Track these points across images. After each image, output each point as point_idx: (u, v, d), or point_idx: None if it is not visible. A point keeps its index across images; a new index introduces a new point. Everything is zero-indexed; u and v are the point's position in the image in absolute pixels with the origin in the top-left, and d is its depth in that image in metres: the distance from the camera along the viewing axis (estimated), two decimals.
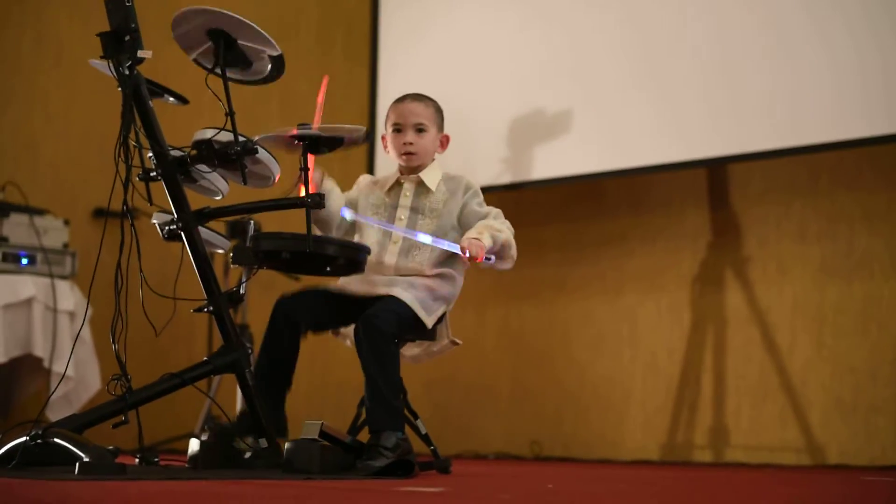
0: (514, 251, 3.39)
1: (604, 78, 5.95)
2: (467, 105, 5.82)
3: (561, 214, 6.54)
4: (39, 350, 5.33)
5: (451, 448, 5.74)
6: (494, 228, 3.34)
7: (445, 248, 3.34)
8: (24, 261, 5.41)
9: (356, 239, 3.54)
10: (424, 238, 3.35)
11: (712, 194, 6.09)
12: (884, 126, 5.19)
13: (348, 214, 3.45)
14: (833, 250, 5.68)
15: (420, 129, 3.50)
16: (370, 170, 6.48)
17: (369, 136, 3.11)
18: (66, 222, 5.62)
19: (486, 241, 3.26)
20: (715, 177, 6.07)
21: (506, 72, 6.28)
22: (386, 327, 3.24)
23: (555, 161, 6.09)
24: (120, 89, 3.07)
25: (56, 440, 2.80)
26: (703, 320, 6.04)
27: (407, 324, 3.33)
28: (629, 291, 6.30)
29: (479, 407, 6.65)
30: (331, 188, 3.45)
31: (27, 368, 5.53)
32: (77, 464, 2.63)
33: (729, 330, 5.94)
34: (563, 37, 6.12)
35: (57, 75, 6.18)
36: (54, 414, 5.36)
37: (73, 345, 4.34)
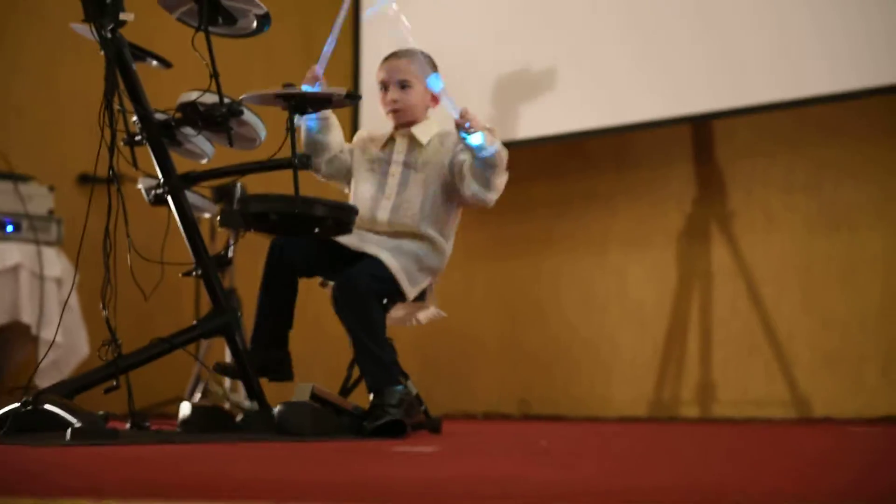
0: (501, 181, 3.35)
1: (588, 36, 5.90)
2: (452, 63, 5.71)
3: (547, 171, 6.51)
4: (27, 317, 5.30)
5: (441, 408, 5.73)
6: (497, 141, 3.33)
7: (448, 107, 3.31)
8: (10, 228, 5.37)
9: (351, 191, 3.52)
10: (436, 83, 3.37)
11: (697, 148, 6.07)
12: (871, 78, 5.16)
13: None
14: (819, 202, 5.67)
15: (405, 85, 3.47)
16: (354, 127, 6.44)
17: (354, 98, 3.07)
18: (52, 188, 5.57)
19: (486, 123, 3.25)
20: (700, 131, 6.04)
21: (491, 30, 6.23)
22: (364, 288, 3.23)
23: (540, 119, 6.05)
24: (102, 53, 3.02)
25: (47, 406, 2.78)
26: (690, 275, 6.04)
27: (387, 289, 3.31)
28: (616, 248, 6.28)
29: (468, 365, 6.64)
30: (331, 118, 3.41)
31: (15, 336, 5.50)
32: (69, 430, 2.61)
33: (715, 284, 5.94)
34: None
35: (40, 39, 6.11)
36: (43, 381, 5.34)
37: (62, 312, 4.27)
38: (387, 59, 3.52)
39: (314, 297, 3.64)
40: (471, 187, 3.33)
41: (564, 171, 6.45)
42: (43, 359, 4.86)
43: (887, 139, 5.50)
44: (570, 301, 6.41)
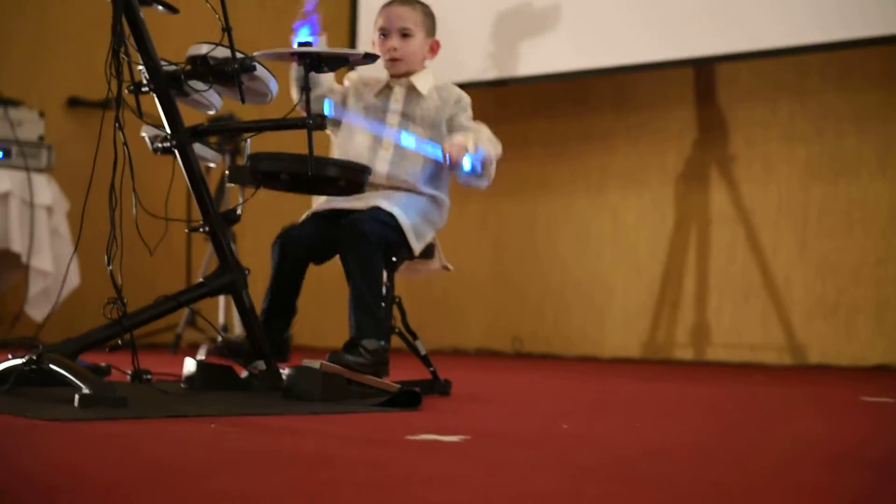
0: (493, 168, 3.26)
1: None
2: (452, 1, 5.63)
3: (544, 111, 6.41)
4: (17, 245, 5.22)
5: (432, 344, 5.71)
6: (481, 139, 3.22)
7: (428, 152, 3.23)
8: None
9: (342, 137, 3.41)
10: (408, 140, 3.24)
11: (699, 92, 5.98)
12: (876, 27, 5.09)
13: (332, 110, 3.31)
14: (820, 150, 5.62)
15: (405, 34, 3.35)
16: None
17: (371, 58, 2.96)
18: (42, 114, 5.45)
19: (470, 146, 3.15)
20: (702, 75, 5.96)
21: None
22: (370, 231, 3.15)
23: (540, 57, 5.94)
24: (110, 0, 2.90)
25: (53, 367, 2.71)
26: (687, 219, 5.99)
27: (393, 240, 3.24)
28: (612, 188, 6.22)
29: (460, 301, 6.61)
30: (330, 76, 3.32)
31: (5, 264, 5.43)
32: (77, 396, 2.54)
33: (713, 229, 5.90)
34: None
35: None
36: (33, 310, 5.28)
37: (76, 247, 4.18)
38: (387, 4, 3.40)
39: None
40: (462, 177, 3.24)
41: (561, 110, 6.36)
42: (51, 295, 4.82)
43: (889, 90, 5.43)
44: (564, 241, 6.36)
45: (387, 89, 3.40)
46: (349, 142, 3.39)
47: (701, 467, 1.88)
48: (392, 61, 3.36)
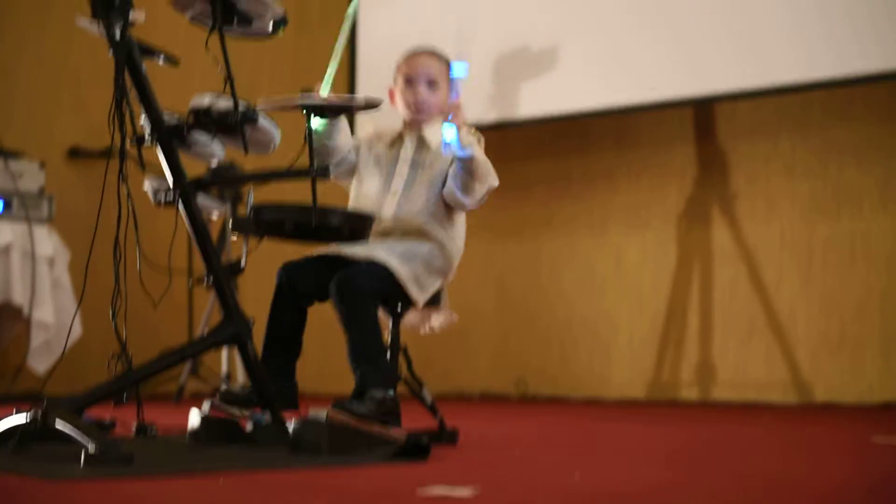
0: (481, 191, 3.23)
1: (591, 16, 5.81)
2: (452, 43, 5.64)
3: (546, 150, 6.42)
4: (18, 297, 5.21)
5: (436, 386, 5.70)
6: (482, 155, 3.23)
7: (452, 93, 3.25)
8: (0, 206, 5.25)
9: (354, 188, 3.42)
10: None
11: (699, 130, 5.99)
12: (876, 63, 5.10)
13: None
14: (822, 186, 5.61)
15: (432, 86, 3.37)
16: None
17: (372, 105, 2.96)
18: (42, 165, 5.45)
19: (471, 136, 3.16)
20: (702, 112, 5.96)
21: (491, 10, 6.12)
22: (360, 285, 3.15)
23: (541, 99, 5.96)
24: (111, 55, 2.89)
25: (58, 424, 2.68)
26: (690, 257, 5.97)
27: (389, 291, 3.22)
28: (615, 227, 6.21)
29: (464, 343, 6.58)
30: (341, 123, 3.32)
31: (6, 316, 5.41)
32: (82, 454, 2.51)
33: (716, 266, 5.88)
34: None
35: (27, 13, 5.96)
36: (35, 362, 5.25)
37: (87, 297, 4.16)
38: (415, 54, 3.41)
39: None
40: (449, 185, 3.25)
41: (563, 150, 6.37)
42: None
43: (892, 123, 5.43)
44: (568, 279, 6.34)
45: (399, 140, 3.42)
46: (360, 190, 3.41)
47: None
48: (417, 110, 3.38)
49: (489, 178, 3.24)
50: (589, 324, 6.26)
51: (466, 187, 3.23)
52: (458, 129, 3.14)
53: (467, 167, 3.20)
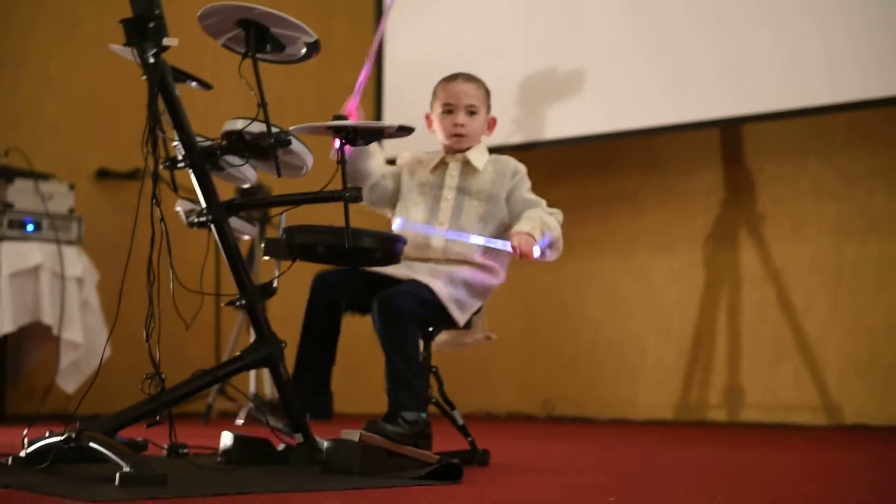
0: (561, 244, 3.30)
1: (614, 38, 5.82)
2: (477, 66, 5.64)
3: (572, 173, 6.42)
4: (48, 317, 5.24)
5: (463, 407, 5.71)
6: (546, 223, 3.24)
7: (498, 247, 3.25)
8: (30, 227, 5.31)
9: (399, 213, 3.43)
10: (476, 240, 3.26)
11: (725, 152, 5.99)
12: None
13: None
14: (849, 208, 5.60)
15: (472, 112, 3.38)
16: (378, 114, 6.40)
17: (406, 130, 2.98)
18: (72, 187, 5.50)
19: (537, 236, 3.17)
20: (728, 134, 5.96)
21: (516, 33, 6.15)
22: (402, 306, 3.16)
23: (566, 121, 5.97)
24: (145, 79, 2.92)
25: (92, 445, 2.70)
26: (717, 279, 5.96)
27: (430, 313, 3.23)
28: (641, 250, 6.21)
29: (491, 366, 6.59)
30: (374, 149, 3.34)
31: (36, 336, 5.45)
32: (117, 475, 2.53)
33: (743, 289, 5.87)
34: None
35: (55, 38, 6.03)
36: (64, 381, 5.29)
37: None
38: (452, 80, 3.43)
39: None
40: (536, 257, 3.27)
41: (589, 173, 6.38)
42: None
43: None
44: (594, 303, 6.34)
45: (442, 165, 3.43)
46: (406, 215, 3.41)
47: None
48: (458, 137, 3.39)
49: (559, 226, 3.31)
50: (615, 346, 6.26)
51: (552, 255, 3.28)
52: (529, 248, 3.16)
53: (554, 246, 3.25)
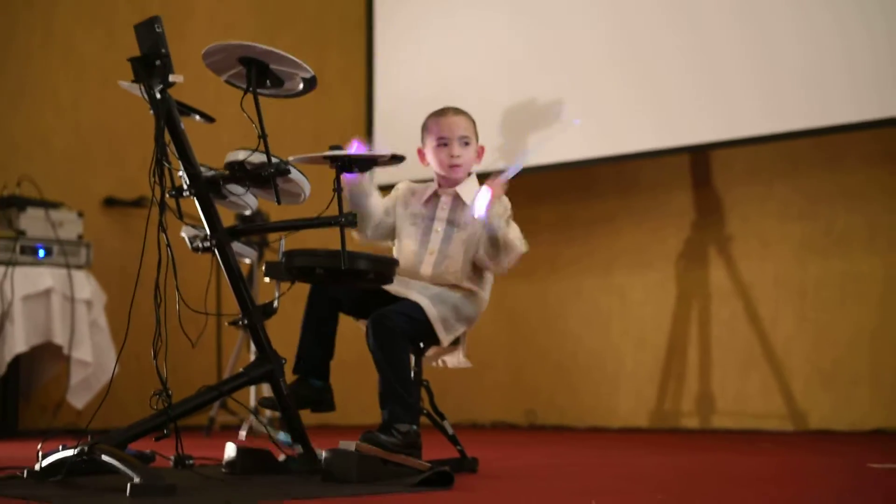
0: (512, 255, 3.27)
1: (591, 70, 5.88)
2: (462, 96, 5.71)
3: (552, 197, 6.46)
4: (59, 338, 5.25)
5: (450, 417, 5.74)
6: (511, 223, 3.26)
7: (481, 195, 3.24)
8: (42, 253, 5.32)
9: (395, 245, 3.46)
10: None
11: (696, 176, 6.03)
12: (866, 112, 5.14)
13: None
14: (813, 228, 5.65)
15: (465, 143, 3.40)
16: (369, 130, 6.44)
17: (398, 159, 3.00)
18: (80, 214, 5.51)
19: (499, 207, 3.19)
20: (699, 160, 6.01)
21: (499, 64, 6.20)
22: (394, 325, 3.18)
23: (547, 148, 6.00)
24: (152, 113, 2.94)
25: (104, 457, 2.72)
26: (689, 295, 6.00)
27: (420, 330, 3.26)
28: (618, 269, 6.25)
29: (477, 378, 6.60)
30: (370, 189, 3.37)
31: (47, 355, 5.46)
32: (128, 485, 2.55)
33: (714, 304, 5.91)
34: (552, 32, 6.04)
35: (65, 72, 6.05)
36: (74, 398, 5.29)
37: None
38: (442, 114, 3.43)
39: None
40: (479, 251, 3.28)
41: (568, 197, 6.42)
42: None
43: (880, 167, 5.47)
44: (575, 318, 6.37)
45: (434, 197, 3.44)
46: (399, 247, 3.45)
47: None
48: (455, 167, 3.41)
49: (515, 249, 3.26)
50: (595, 358, 6.29)
51: (492, 258, 3.27)
52: (491, 199, 3.17)
53: (493, 241, 3.23)
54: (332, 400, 3.35)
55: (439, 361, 3.51)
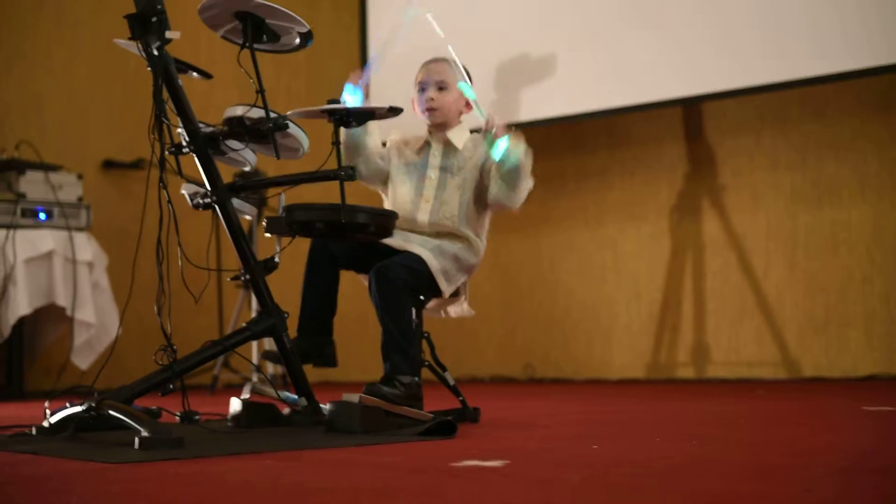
0: (524, 186, 3.29)
1: (583, 26, 5.82)
2: (457, 53, 5.66)
3: (544, 151, 6.40)
4: (61, 300, 5.23)
5: (450, 370, 5.74)
6: (520, 142, 3.25)
7: (476, 113, 3.26)
8: (42, 216, 5.29)
9: (389, 193, 3.45)
10: (468, 91, 3.29)
11: (688, 129, 6.01)
12: (846, 62, 5.11)
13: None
14: (803, 178, 5.63)
15: (441, 88, 3.39)
16: None
17: (395, 111, 2.98)
18: (80, 176, 5.47)
19: (511, 127, 3.19)
20: (690, 113, 5.98)
21: (492, 19, 6.14)
22: (396, 278, 3.16)
23: (540, 104, 5.97)
24: (150, 70, 2.91)
25: (112, 413, 2.70)
26: (682, 247, 5.99)
27: (421, 282, 3.24)
28: (610, 222, 6.23)
29: (474, 332, 6.60)
30: (373, 129, 3.36)
31: (51, 317, 5.44)
32: (136, 439, 2.53)
33: (707, 255, 5.90)
34: None
35: (58, 33, 5.99)
36: (78, 359, 5.28)
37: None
38: (426, 63, 3.45)
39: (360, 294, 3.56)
40: (494, 191, 3.26)
41: (559, 150, 6.38)
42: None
43: (868, 115, 5.45)
44: (568, 272, 6.36)
45: (426, 146, 3.43)
46: (394, 196, 3.43)
47: (729, 479, 1.87)
48: (430, 111, 3.40)
49: (528, 177, 3.28)
50: (589, 311, 6.28)
51: (514, 187, 3.25)
52: (506, 138, 3.16)
53: (515, 171, 3.21)
54: (334, 354, 3.34)
55: (441, 312, 3.49)
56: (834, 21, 5.12)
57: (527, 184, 3.29)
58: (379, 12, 6.54)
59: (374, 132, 3.38)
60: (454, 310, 3.45)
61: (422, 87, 3.42)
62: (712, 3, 5.43)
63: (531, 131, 6.31)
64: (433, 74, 3.41)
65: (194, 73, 3.18)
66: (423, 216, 3.34)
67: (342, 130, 3.17)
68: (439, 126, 3.41)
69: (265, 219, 3.09)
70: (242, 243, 3.04)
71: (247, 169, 3.19)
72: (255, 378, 4.78)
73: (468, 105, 3.45)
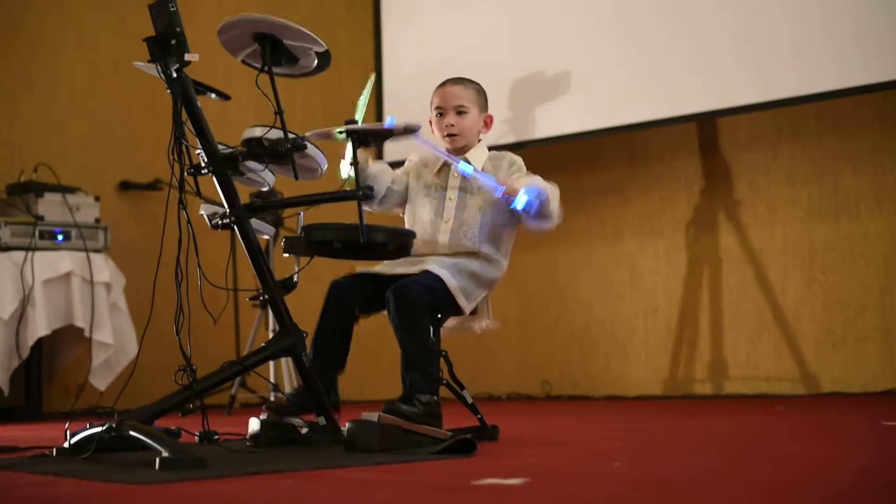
0: (555, 206, 3.24)
1: (600, 42, 5.84)
2: (471, 70, 5.68)
3: (561, 168, 6.42)
4: (80, 320, 5.26)
5: (467, 388, 5.74)
6: (535, 179, 3.24)
7: (482, 180, 3.23)
8: (60, 237, 5.32)
9: (408, 215, 3.45)
10: (466, 167, 3.24)
11: (703, 144, 6.01)
12: (863, 76, 5.11)
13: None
14: (820, 191, 5.62)
15: (461, 112, 3.39)
16: (379, 114, 6.42)
17: (412, 130, 2.99)
18: (97, 198, 5.51)
19: (523, 181, 3.17)
20: (705, 128, 5.98)
21: (505, 39, 6.16)
22: (416, 297, 3.16)
23: (556, 120, 5.98)
24: (169, 92, 2.93)
25: (132, 433, 2.72)
26: (699, 262, 5.98)
27: (440, 301, 3.24)
28: (628, 237, 6.23)
29: (491, 349, 6.60)
30: (381, 169, 3.35)
31: (69, 338, 5.47)
32: (157, 459, 2.54)
33: (724, 270, 5.89)
34: (559, 4, 5.99)
35: (79, 56, 6.03)
36: (96, 380, 5.30)
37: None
38: (442, 85, 3.45)
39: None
40: (530, 223, 3.26)
41: (578, 167, 6.39)
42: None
43: (886, 129, 5.45)
44: (586, 287, 6.36)
45: (445, 167, 3.43)
46: (414, 218, 3.43)
47: (753, 495, 1.87)
48: (450, 137, 3.40)
49: (555, 196, 3.25)
50: (606, 327, 6.28)
51: (546, 218, 3.24)
52: (523, 191, 3.13)
53: (545, 204, 3.20)
54: (337, 406, 3.28)
55: (465, 328, 3.49)
56: (851, 35, 5.12)
57: (556, 204, 3.27)
58: (394, 30, 6.57)
59: (380, 173, 3.35)
60: (477, 325, 3.45)
61: (440, 112, 3.41)
62: (731, 18, 5.43)
63: (549, 148, 6.35)
64: (451, 99, 3.40)
65: (213, 95, 3.21)
66: (444, 237, 3.35)
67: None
68: (460, 149, 3.42)
69: (283, 238, 3.10)
70: (261, 263, 3.06)
71: (264, 189, 3.21)
72: (272, 396, 4.78)
73: (486, 124, 3.46)
